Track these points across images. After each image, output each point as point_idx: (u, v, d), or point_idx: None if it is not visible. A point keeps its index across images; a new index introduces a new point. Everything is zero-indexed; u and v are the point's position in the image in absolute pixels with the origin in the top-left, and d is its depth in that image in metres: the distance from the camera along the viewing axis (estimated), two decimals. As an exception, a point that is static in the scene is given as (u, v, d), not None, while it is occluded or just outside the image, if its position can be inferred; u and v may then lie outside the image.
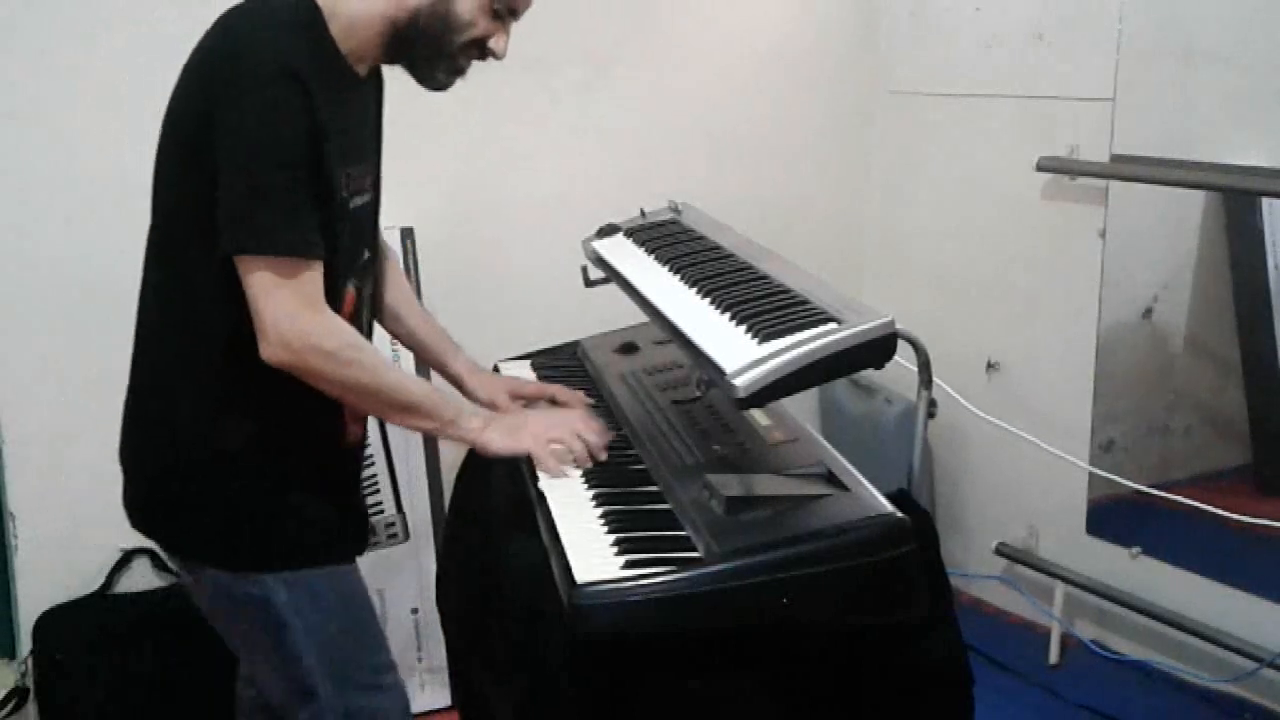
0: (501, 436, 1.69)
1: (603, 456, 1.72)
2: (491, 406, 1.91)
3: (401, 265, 1.99)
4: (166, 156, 1.57)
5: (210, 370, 1.57)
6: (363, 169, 1.66)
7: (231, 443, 1.60)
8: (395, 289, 1.94)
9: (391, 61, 1.65)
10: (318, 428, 1.65)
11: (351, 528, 1.76)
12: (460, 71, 1.65)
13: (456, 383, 1.98)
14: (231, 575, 1.63)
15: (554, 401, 1.96)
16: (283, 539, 1.63)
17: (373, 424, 2.12)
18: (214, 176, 1.47)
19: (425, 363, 2.02)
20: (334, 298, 1.60)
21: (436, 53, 1.61)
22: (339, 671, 1.67)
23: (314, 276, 1.50)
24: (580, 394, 1.99)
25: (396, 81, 1.73)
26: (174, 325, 1.60)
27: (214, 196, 1.47)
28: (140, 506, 1.69)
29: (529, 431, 1.71)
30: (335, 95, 1.54)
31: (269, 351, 1.49)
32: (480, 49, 1.63)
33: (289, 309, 1.47)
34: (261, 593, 1.61)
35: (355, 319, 1.69)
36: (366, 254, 1.73)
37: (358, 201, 1.65)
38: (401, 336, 1.98)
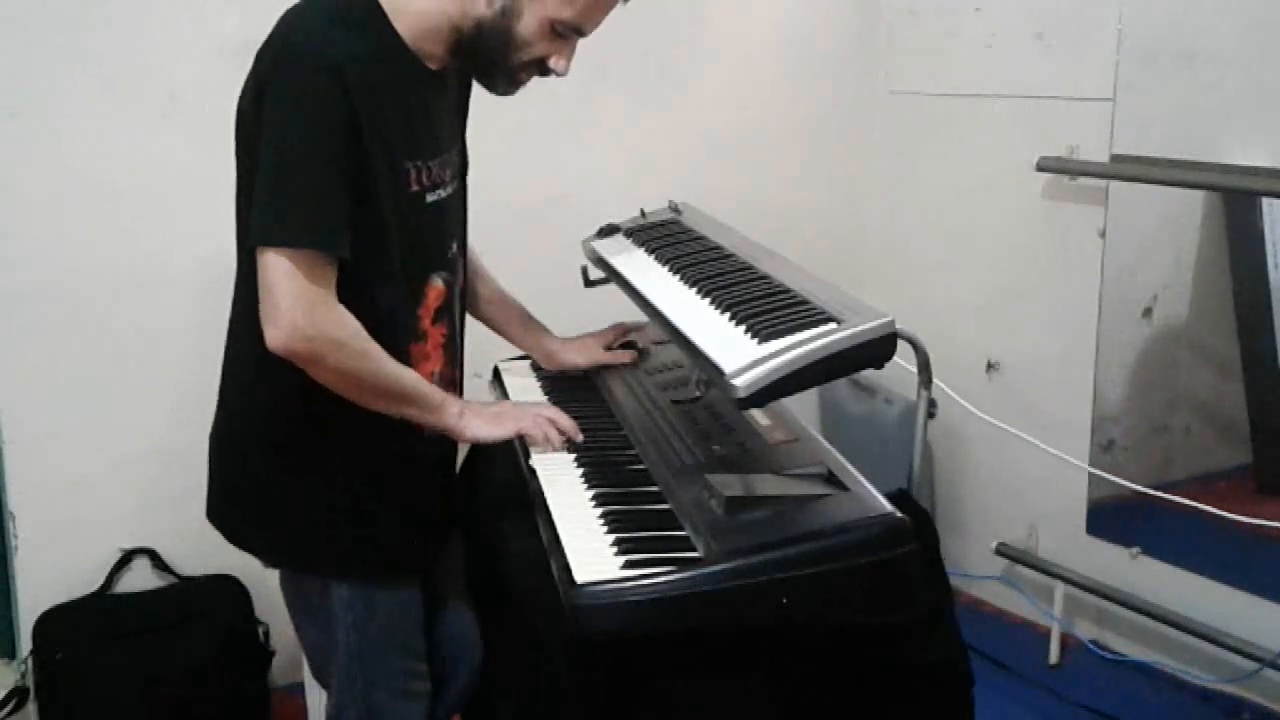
0: (482, 424, 1.70)
1: (579, 438, 1.76)
2: (593, 366, 2.06)
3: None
4: (239, 159, 1.59)
5: (284, 376, 1.56)
6: (440, 161, 1.66)
7: (308, 450, 1.64)
8: (485, 278, 2.01)
9: (459, 63, 1.66)
10: (394, 426, 1.64)
11: (422, 543, 1.77)
12: (519, 84, 1.66)
13: (551, 357, 2.05)
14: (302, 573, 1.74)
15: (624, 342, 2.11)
16: (353, 553, 1.68)
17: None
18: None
19: (513, 343, 2.08)
20: (415, 292, 1.63)
21: (496, 65, 1.62)
22: (372, 670, 1.71)
23: (330, 269, 1.51)
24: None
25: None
26: (251, 327, 1.60)
27: None
28: (219, 512, 1.74)
29: (510, 416, 1.74)
30: (397, 89, 1.55)
31: (278, 339, 1.49)
32: (540, 67, 1.64)
33: (306, 299, 1.48)
34: (325, 586, 1.68)
35: (444, 313, 1.71)
36: (455, 247, 1.75)
37: (438, 195, 1.65)
38: (488, 319, 2.03)
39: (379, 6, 1.55)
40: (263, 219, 1.49)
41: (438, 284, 1.69)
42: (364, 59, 1.50)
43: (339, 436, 1.63)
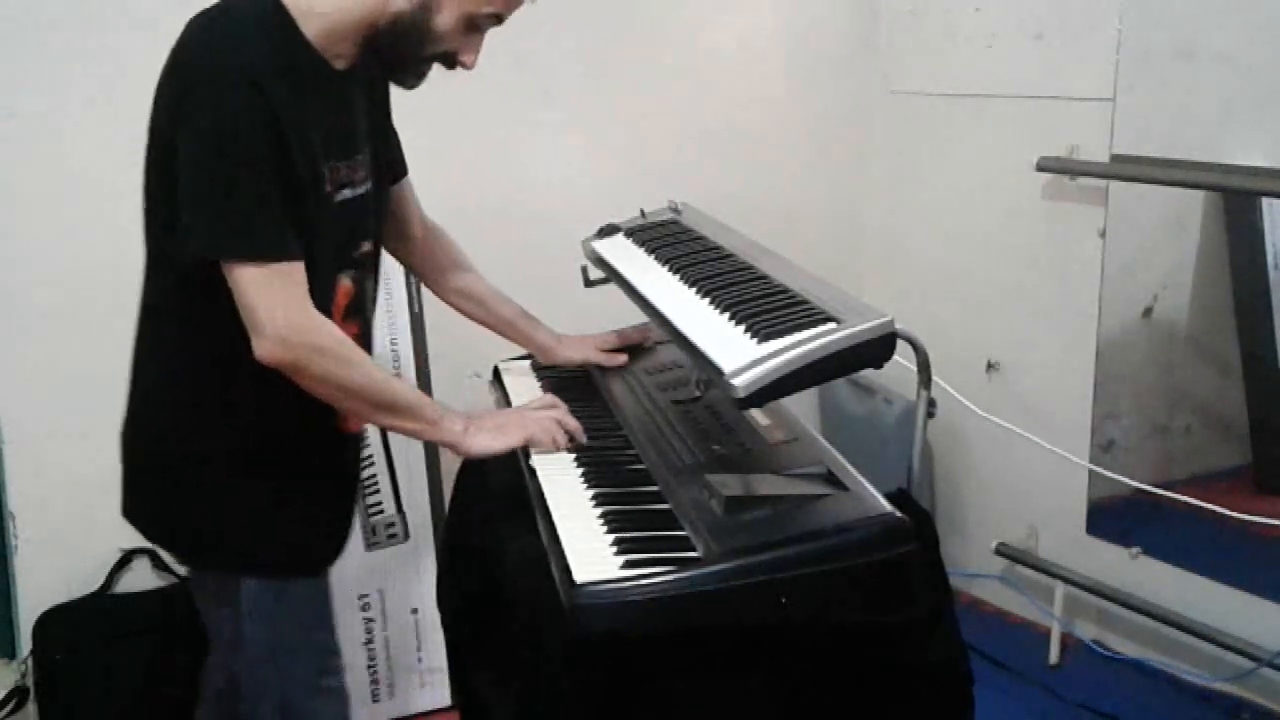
0: (488, 437, 1.70)
1: (584, 438, 1.76)
2: (587, 365, 2.06)
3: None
4: (150, 163, 1.58)
5: (199, 373, 1.58)
6: (354, 161, 1.66)
7: (221, 446, 1.62)
8: (469, 275, 2.00)
9: (366, 59, 1.65)
10: (315, 423, 1.64)
11: (332, 542, 1.77)
12: (424, 77, 1.66)
13: (547, 352, 2.06)
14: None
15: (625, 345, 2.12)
16: (262, 550, 1.66)
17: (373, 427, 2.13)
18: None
19: (511, 340, 2.07)
20: (323, 291, 1.62)
21: (408, 57, 1.62)
22: (284, 666, 1.70)
23: (300, 275, 1.52)
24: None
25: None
26: (167, 327, 1.62)
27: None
28: (132, 502, 1.73)
29: (515, 425, 1.74)
30: (308, 94, 1.54)
31: (265, 349, 1.50)
32: (449, 60, 1.64)
33: (284, 307, 1.49)
34: (234, 579, 1.67)
35: (355, 311, 1.70)
36: (367, 245, 1.73)
37: (347, 194, 1.65)
38: (483, 318, 2.03)
39: (285, 11, 1.54)
40: (216, 234, 1.48)
41: (345, 283, 1.68)
42: (277, 68, 1.50)
43: (249, 432, 1.62)
